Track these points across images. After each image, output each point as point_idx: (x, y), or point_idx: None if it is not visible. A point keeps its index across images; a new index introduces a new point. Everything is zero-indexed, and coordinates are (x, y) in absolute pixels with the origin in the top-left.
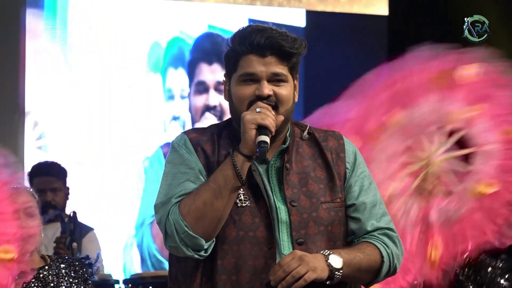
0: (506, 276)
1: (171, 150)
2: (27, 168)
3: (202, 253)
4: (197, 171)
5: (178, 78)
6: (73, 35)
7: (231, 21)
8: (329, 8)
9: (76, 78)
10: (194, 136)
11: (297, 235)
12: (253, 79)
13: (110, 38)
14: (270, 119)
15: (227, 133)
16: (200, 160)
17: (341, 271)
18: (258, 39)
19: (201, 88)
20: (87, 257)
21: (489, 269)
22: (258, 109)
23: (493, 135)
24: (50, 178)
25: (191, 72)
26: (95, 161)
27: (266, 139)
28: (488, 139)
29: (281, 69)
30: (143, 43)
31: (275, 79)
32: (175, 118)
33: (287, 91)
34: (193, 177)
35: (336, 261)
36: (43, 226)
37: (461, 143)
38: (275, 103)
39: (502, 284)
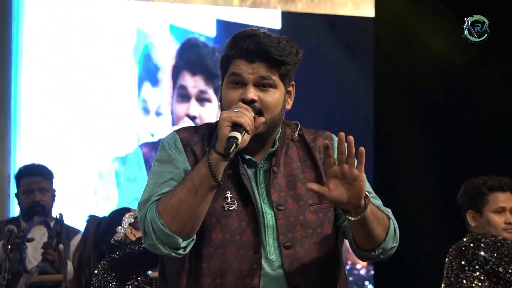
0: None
1: (161, 148)
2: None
3: (180, 251)
4: (182, 171)
5: (155, 93)
6: (29, 39)
7: (197, 22)
8: (314, 10)
9: (43, 82)
10: (185, 136)
11: (284, 239)
12: (240, 81)
13: (75, 39)
14: (246, 117)
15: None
16: (188, 161)
17: (367, 207)
18: (247, 44)
19: (183, 93)
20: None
21: None
22: (236, 109)
23: None
24: (38, 178)
25: (174, 77)
26: (64, 163)
27: (237, 134)
28: None
29: (269, 74)
30: (104, 44)
31: (261, 83)
32: (152, 135)
33: (274, 98)
34: (177, 176)
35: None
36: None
37: None
38: (259, 109)
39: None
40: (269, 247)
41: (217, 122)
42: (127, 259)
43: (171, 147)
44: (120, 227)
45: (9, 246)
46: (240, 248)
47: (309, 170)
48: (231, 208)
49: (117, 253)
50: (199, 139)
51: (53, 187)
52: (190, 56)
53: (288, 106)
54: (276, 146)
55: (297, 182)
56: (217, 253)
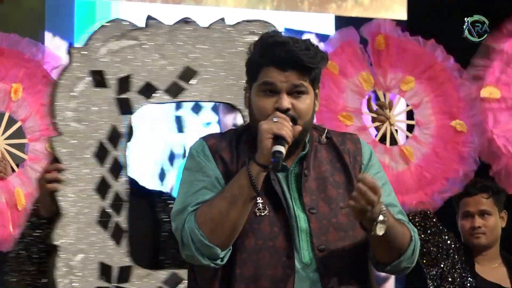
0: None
1: (189, 156)
2: None
3: (218, 261)
4: (213, 179)
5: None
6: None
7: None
8: (348, 13)
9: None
10: (213, 143)
11: (318, 242)
12: (273, 90)
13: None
14: (287, 129)
15: (246, 139)
16: (218, 168)
17: (385, 218)
18: (278, 52)
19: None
20: None
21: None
22: (275, 119)
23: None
24: None
25: None
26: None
27: (282, 149)
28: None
29: (301, 81)
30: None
31: (295, 91)
32: None
33: (307, 103)
34: (209, 185)
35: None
36: None
37: None
38: (294, 116)
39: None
40: (303, 251)
41: (242, 127)
42: None
43: (200, 155)
44: None
45: None
46: (273, 254)
47: (338, 172)
48: (263, 214)
49: None
50: (227, 144)
51: None
52: None
53: (317, 109)
54: (306, 149)
55: (327, 185)
56: (250, 259)
